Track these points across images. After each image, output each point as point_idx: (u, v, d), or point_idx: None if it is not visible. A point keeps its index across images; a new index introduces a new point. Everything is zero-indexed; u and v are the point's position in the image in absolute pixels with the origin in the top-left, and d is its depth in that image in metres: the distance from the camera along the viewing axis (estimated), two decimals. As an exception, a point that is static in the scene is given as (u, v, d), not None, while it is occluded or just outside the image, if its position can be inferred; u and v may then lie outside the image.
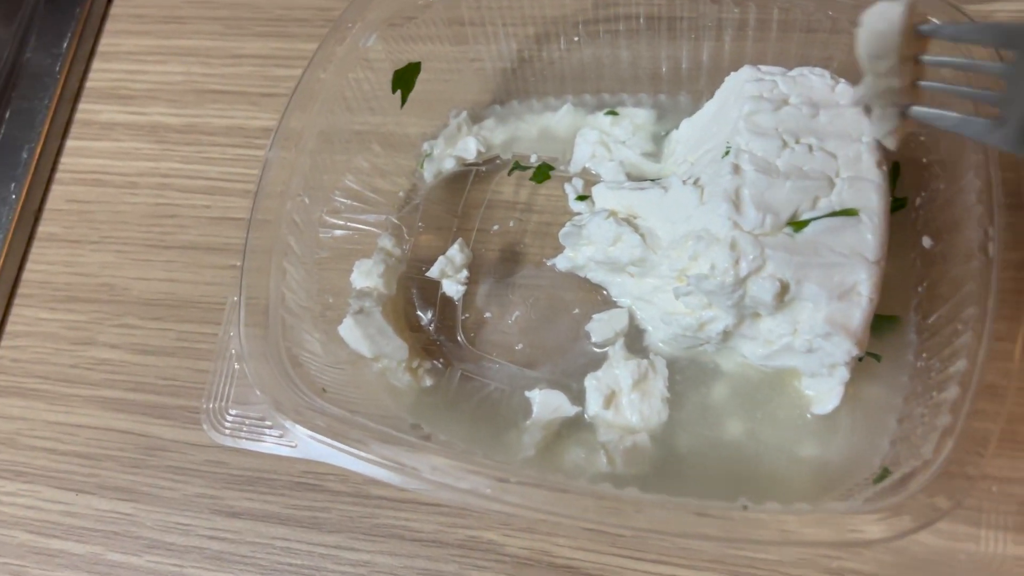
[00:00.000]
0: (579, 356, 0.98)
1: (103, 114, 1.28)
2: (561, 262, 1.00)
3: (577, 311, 1.00)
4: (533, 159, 1.10)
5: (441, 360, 1.01)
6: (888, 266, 0.83)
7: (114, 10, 1.34)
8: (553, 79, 1.11)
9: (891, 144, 0.84)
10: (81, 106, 1.29)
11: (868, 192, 0.83)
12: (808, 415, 0.90)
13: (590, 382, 0.94)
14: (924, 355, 0.87)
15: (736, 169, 0.86)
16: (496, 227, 1.07)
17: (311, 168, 0.97)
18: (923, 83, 0.80)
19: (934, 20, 0.79)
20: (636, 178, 1.03)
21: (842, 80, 0.89)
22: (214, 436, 0.87)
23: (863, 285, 0.81)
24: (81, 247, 1.19)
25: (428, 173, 1.09)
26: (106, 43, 1.32)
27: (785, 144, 0.87)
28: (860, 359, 0.85)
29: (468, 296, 1.03)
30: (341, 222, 1.03)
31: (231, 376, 0.89)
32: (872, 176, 0.84)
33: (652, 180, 0.98)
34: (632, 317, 0.98)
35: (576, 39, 1.07)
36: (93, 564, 1.02)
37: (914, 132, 0.92)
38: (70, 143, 1.27)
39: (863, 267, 0.81)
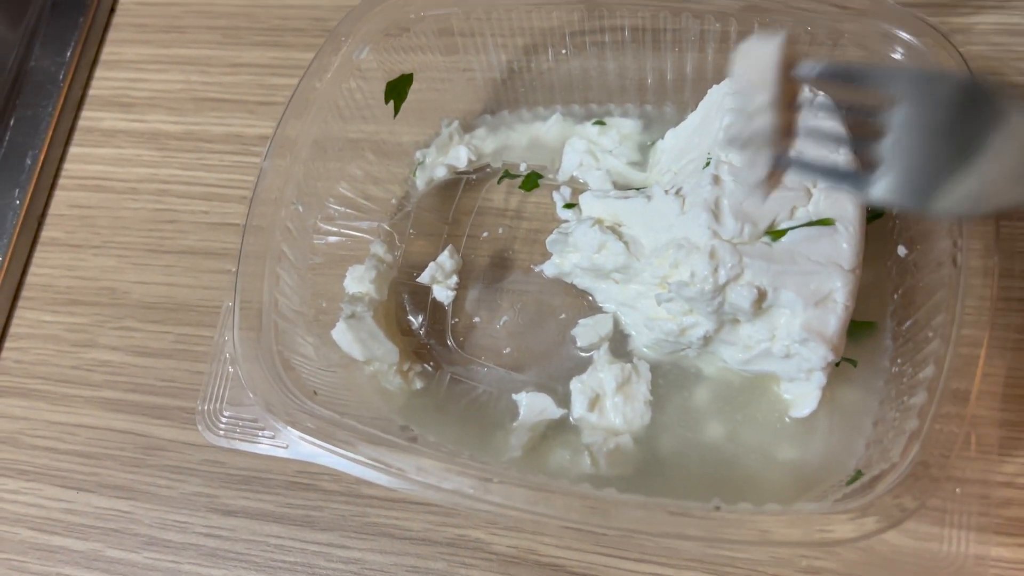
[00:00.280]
0: (565, 360, 0.99)
1: (105, 121, 1.28)
2: (548, 268, 1.01)
3: (563, 316, 1.02)
4: (522, 168, 1.11)
5: (431, 363, 1.02)
6: (866, 273, 0.85)
7: (116, 19, 1.35)
8: (542, 89, 1.12)
9: (760, 195, 0.85)
10: (84, 113, 1.29)
11: (844, 202, 0.84)
12: (786, 418, 0.91)
13: (575, 385, 0.95)
14: (899, 360, 0.88)
15: (716, 180, 0.86)
16: (486, 234, 1.08)
17: (305, 176, 0.98)
18: (800, 128, 0.82)
19: (811, 62, 0.81)
20: (622, 187, 1.04)
21: (821, 92, 0.89)
22: (208, 437, 0.88)
23: (839, 293, 0.82)
24: (83, 251, 1.20)
25: (420, 181, 1.10)
26: (108, 52, 1.33)
27: None
28: (837, 364, 0.87)
29: (458, 301, 1.04)
30: (335, 228, 1.04)
31: (225, 378, 0.90)
32: None
33: (637, 189, 0.99)
34: (616, 322, 0.99)
35: (564, 51, 1.08)
36: (92, 560, 1.03)
37: None
38: (73, 150, 1.27)
39: (839, 275, 0.82)
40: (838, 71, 0.79)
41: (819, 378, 0.87)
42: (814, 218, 0.84)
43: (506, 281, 1.06)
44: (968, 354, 0.77)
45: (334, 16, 1.22)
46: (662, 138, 1.05)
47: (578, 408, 0.94)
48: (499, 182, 1.11)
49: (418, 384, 1.00)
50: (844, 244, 0.83)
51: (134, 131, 1.27)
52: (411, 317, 1.06)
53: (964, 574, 0.72)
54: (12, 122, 1.26)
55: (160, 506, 1.04)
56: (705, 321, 0.88)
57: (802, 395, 0.90)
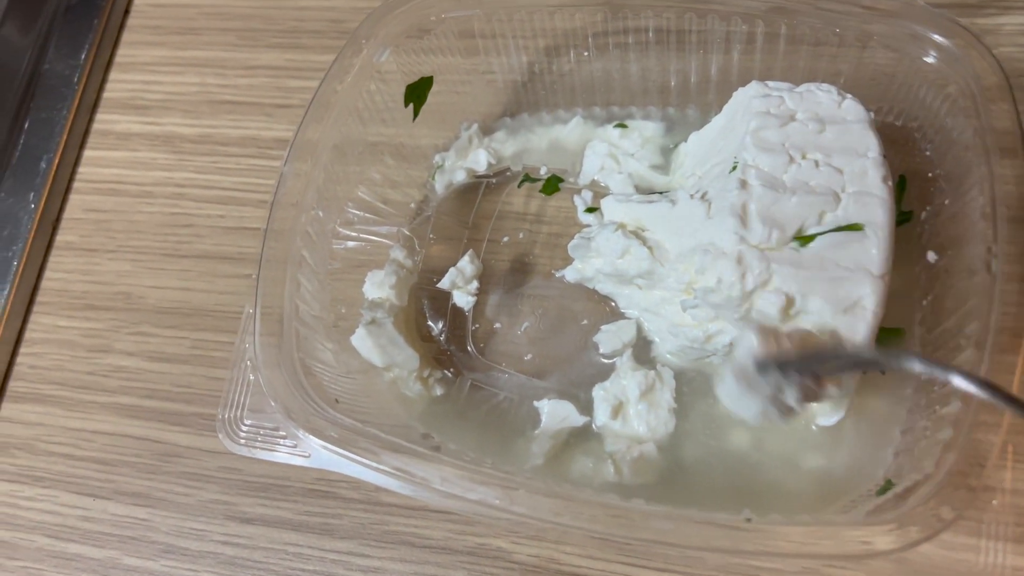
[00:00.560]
0: (587, 366, 0.98)
1: (120, 124, 1.28)
2: (570, 274, 1.00)
3: (585, 322, 1.01)
4: (543, 171, 1.10)
5: (451, 370, 1.02)
6: (893, 279, 0.83)
7: (131, 21, 1.35)
8: (563, 92, 1.11)
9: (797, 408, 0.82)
10: (98, 116, 1.30)
11: (873, 207, 0.83)
12: (813, 427, 0.90)
13: (598, 392, 0.95)
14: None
15: (743, 184, 0.85)
16: (506, 238, 1.08)
17: (325, 180, 0.97)
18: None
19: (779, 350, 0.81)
20: (645, 191, 1.03)
21: (849, 96, 0.89)
22: (229, 445, 0.88)
23: (868, 299, 0.80)
24: (98, 256, 1.20)
25: (439, 185, 1.10)
26: (123, 54, 1.33)
27: (792, 159, 0.86)
28: (865, 372, 0.86)
29: (478, 307, 1.04)
30: (354, 234, 1.04)
31: (246, 385, 0.89)
32: (877, 191, 0.84)
33: (661, 193, 0.98)
34: (640, 329, 0.98)
35: (586, 52, 1.07)
36: (110, 568, 1.02)
37: (920, 146, 0.95)
38: (87, 153, 1.28)
39: (868, 281, 0.81)
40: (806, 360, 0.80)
41: (847, 385, 0.85)
42: (843, 223, 0.83)
43: (527, 286, 1.05)
44: (1005, 362, 0.76)
45: (351, 17, 1.25)
46: (685, 141, 1.04)
47: (601, 415, 0.94)
48: (519, 186, 1.10)
49: (438, 391, 0.99)
50: (873, 250, 0.82)
51: (149, 134, 1.27)
52: (431, 323, 1.05)
53: (1000, 586, 0.71)
54: (27, 125, 1.27)
55: (177, 513, 1.03)
56: (731, 328, 0.87)
57: (829, 403, 0.88)
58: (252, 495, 1.02)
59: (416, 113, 1.06)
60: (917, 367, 0.70)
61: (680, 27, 1.01)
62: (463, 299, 1.04)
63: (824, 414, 0.89)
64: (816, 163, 0.86)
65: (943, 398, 0.80)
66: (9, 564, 1.05)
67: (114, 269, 1.19)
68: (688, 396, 0.94)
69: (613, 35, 1.05)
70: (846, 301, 0.81)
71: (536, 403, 0.96)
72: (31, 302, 1.19)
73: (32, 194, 1.22)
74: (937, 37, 0.89)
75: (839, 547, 0.71)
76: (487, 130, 1.13)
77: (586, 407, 0.95)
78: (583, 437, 0.94)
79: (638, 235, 0.93)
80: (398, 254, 1.04)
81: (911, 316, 0.92)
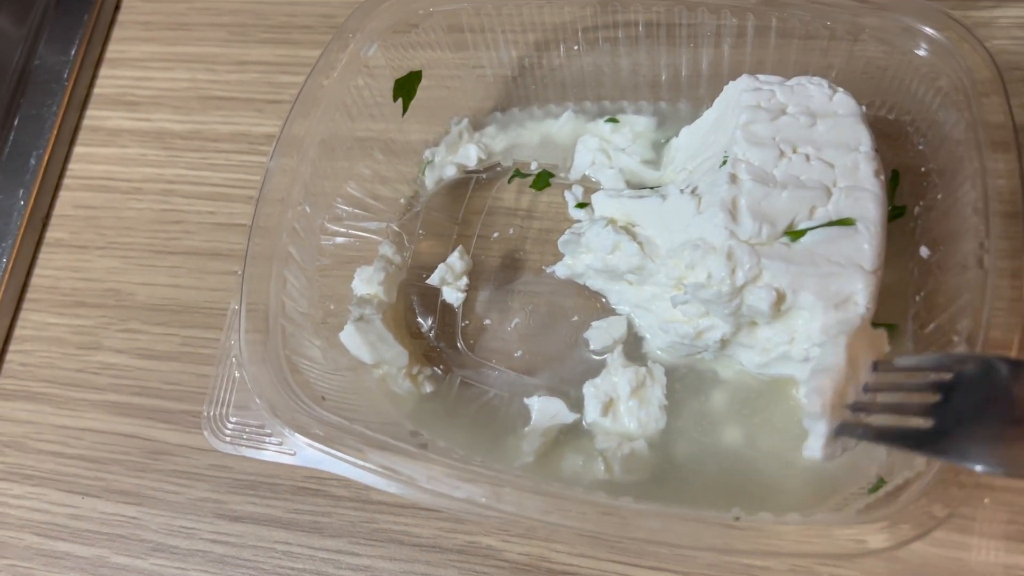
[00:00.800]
0: (578, 363, 0.97)
1: (110, 120, 1.28)
2: (560, 270, 0.99)
3: (576, 318, 1.00)
4: (533, 166, 1.09)
5: (441, 367, 1.01)
6: (886, 274, 0.82)
7: (121, 17, 1.34)
8: (554, 86, 1.10)
9: (818, 456, 0.79)
10: (88, 112, 1.29)
11: (865, 202, 0.82)
12: (805, 423, 0.85)
13: (588, 389, 0.93)
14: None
15: (733, 179, 0.85)
16: (496, 234, 1.07)
17: (312, 175, 0.97)
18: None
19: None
20: (636, 186, 1.03)
21: (840, 89, 0.89)
22: (215, 443, 0.87)
23: (860, 295, 0.80)
24: (88, 252, 1.19)
25: (429, 180, 1.09)
26: (113, 50, 1.32)
27: (782, 154, 0.86)
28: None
29: (468, 303, 1.03)
30: (343, 229, 1.03)
31: (232, 382, 0.88)
32: (869, 186, 0.83)
33: (651, 188, 0.98)
34: (630, 325, 0.97)
35: (576, 47, 1.06)
36: (98, 567, 1.02)
37: (912, 140, 0.94)
38: (77, 149, 1.27)
39: (860, 277, 0.80)
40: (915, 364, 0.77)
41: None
42: (834, 218, 0.82)
43: (517, 282, 1.04)
44: (997, 358, 0.74)
45: (342, 12, 1.22)
46: (676, 136, 1.04)
47: (591, 412, 0.93)
48: (510, 181, 1.09)
49: (428, 388, 0.99)
50: (865, 245, 0.81)
51: (139, 130, 1.26)
52: (420, 319, 1.04)
53: (992, 584, 0.70)
54: (16, 121, 1.26)
55: (166, 511, 1.03)
56: (722, 324, 0.87)
57: None
58: (242, 493, 1.01)
59: (405, 108, 1.05)
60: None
61: (670, 21, 1.00)
62: (453, 295, 1.02)
63: None
64: (807, 157, 0.85)
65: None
66: (-2, 562, 1.04)
67: (104, 266, 1.18)
68: (679, 393, 0.93)
69: (603, 29, 1.04)
70: (838, 297, 0.80)
71: (526, 400, 0.95)
72: (21, 299, 1.18)
73: (22, 191, 1.21)
74: (929, 30, 0.89)
75: (831, 545, 0.71)
76: (477, 125, 1.12)
77: (576, 404, 0.94)
78: (573, 434, 0.93)
79: (628, 231, 0.92)
80: (387, 250, 1.02)
81: (904, 312, 0.91)
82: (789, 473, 0.87)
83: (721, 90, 0.96)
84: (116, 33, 1.33)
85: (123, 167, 1.24)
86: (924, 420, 0.69)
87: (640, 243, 0.91)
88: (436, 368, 1.00)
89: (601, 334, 0.97)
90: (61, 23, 1.30)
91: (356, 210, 1.04)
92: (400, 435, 0.87)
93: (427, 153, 1.10)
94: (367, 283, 0.99)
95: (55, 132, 1.24)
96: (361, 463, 0.80)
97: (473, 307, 1.03)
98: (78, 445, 1.08)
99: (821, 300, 0.80)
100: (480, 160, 1.09)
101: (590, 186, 1.05)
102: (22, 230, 1.19)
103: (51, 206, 1.23)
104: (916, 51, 0.90)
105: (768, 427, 0.90)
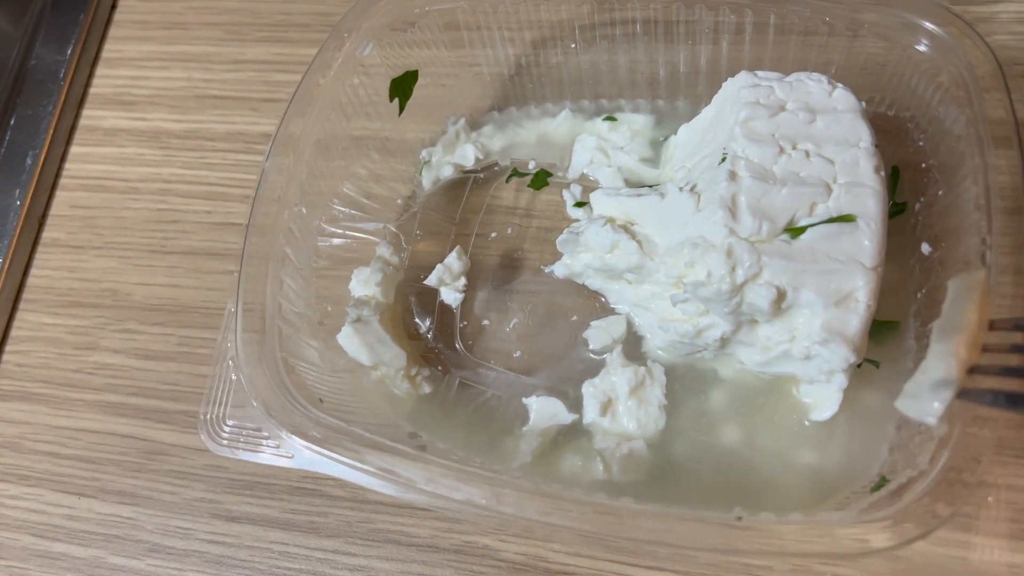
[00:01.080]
0: (577, 363, 0.96)
1: (106, 120, 1.26)
2: (559, 269, 0.98)
3: (575, 318, 0.98)
4: (531, 165, 1.08)
5: (439, 367, 0.99)
6: (887, 271, 0.81)
7: (118, 16, 1.33)
8: (551, 85, 1.09)
9: (932, 420, 0.75)
10: (85, 112, 1.27)
11: (866, 198, 0.81)
12: (806, 422, 0.87)
13: (587, 389, 0.92)
14: None
15: (732, 176, 0.83)
16: (494, 234, 1.05)
17: (308, 176, 0.95)
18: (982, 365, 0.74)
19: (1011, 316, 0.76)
20: (634, 184, 1.01)
21: (839, 85, 0.88)
22: (211, 446, 0.86)
23: (861, 292, 0.79)
24: (84, 253, 1.18)
25: (426, 180, 1.07)
26: (110, 49, 1.31)
27: (782, 150, 0.84)
28: (858, 366, 0.83)
29: (466, 303, 1.02)
30: (339, 230, 1.02)
31: (228, 383, 0.87)
32: (870, 182, 0.82)
33: (650, 186, 0.96)
34: (630, 324, 0.96)
35: (573, 45, 1.05)
36: (95, 568, 1.00)
37: (912, 136, 0.92)
38: (74, 149, 1.25)
39: (861, 273, 0.79)
40: None
41: (840, 380, 0.84)
42: (835, 214, 0.81)
43: (516, 282, 1.03)
44: (999, 356, 0.73)
45: (338, 11, 1.23)
46: (675, 134, 1.02)
47: (590, 412, 0.91)
48: (507, 180, 1.08)
49: (426, 389, 0.97)
50: (866, 241, 0.80)
51: (136, 130, 1.25)
52: (418, 320, 1.03)
53: (997, 583, 0.69)
54: (13, 121, 1.24)
55: (163, 512, 1.01)
56: (722, 322, 0.85)
57: (822, 398, 0.86)
58: (238, 493, 1.00)
59: (402, 108, 1.03)
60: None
61: (668, 18, 0.99)
62: (451, 296, 1.01)
63: (817, 409, 0.87)
64: (807, 154, 0.84)
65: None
66: (-6, 563, 1.03)
67: (100, 266, 1.16)
68: (679, 392, 0.92)
69: (600, 27, 1.02)
70: (838, 294, 0.79)
71: (524, 400, 0.94)
72: (17, 299, 1.17)
73: (18, 191, 1.20)
74: (929, 25, 0.88)
75: (833, 545, 0.70)
76: (474, 124, 1.10)
77: (575, 404, 0.93)
78: (572, 435, 0.92)
79: (627, 229, 0.91)
80: (384, 251, 1.01)
81: (906, 309, 0.89)
82: (789, 472, 0.86)
83: (719, 87, 0.94)
84: (112, 32, 1.32)
85: (120, 167, 1.23)
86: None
87: (639, 242, 0.90)
88: (434, 369, 0.99)
89: (600, 334, 0.96)
90: (57, 23, 1.29)
91: (353, 211, 1.03)
92: (398, 437, 0.85)
93: (424, 153, 1.08)
94: (364, 284, 0.98)
95: (51, 132, 1.23)
96: (359, 466, 0.78)
97: (471, 307, 1.02)
98: (74, 446, 1.06)
99: (822, 297, 0.79)
100: (477, 160, 1.08)
101: (588, 185, 1.04)
102: (18, 230, 1.17)
103: (47, 206, 1.22)
104: (916, 47, 0.89)
105: (768, 426, 0.88)
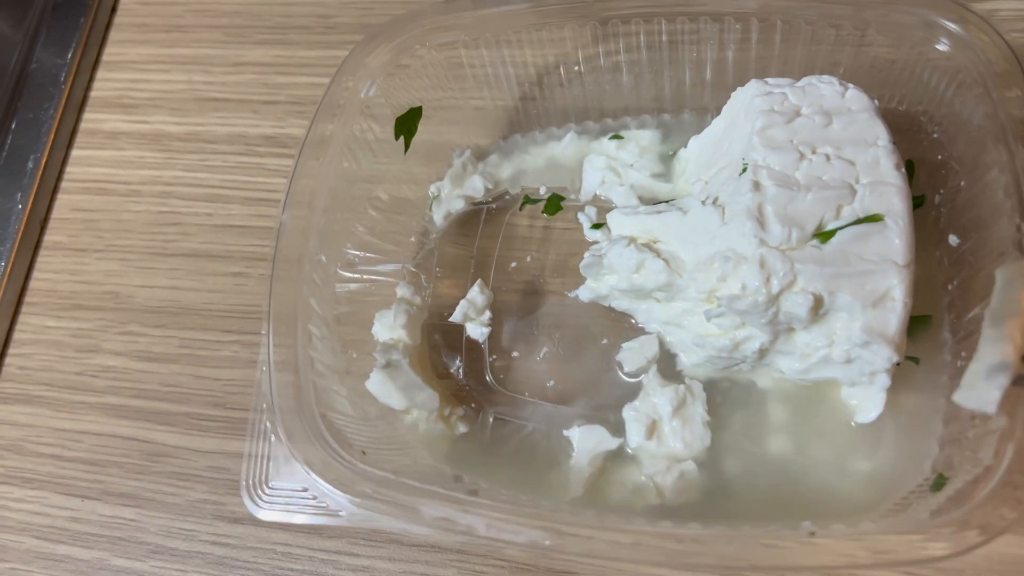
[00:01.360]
0: (613, 387, 0.86)
1: (107, 123, 1.15)
2: (584, 293, 0.88)
3: (605, 341, 0.88)
4: (542, 191, 0.96)
5: (472, 405, 0.88)
6: (914, 267, 0.73)
7: (118, 20, 1.22)
8: (555, 108, 0.98)
9: (991, 409, 0.67)
10: (86, 115, 1.16)
11: (890, 196, 0.73)
12: (852, 424, 0.79)
13: (629, 413, 0.82)
14: (962, 354, 0.76)
15: (756, 186, 0.75)
16: (514, 264, 0.94)
17: (323, 224, 0.86)
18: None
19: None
20: (648, 201, 0.92)
21: (851, 85, 0.79)
22: (254, 510, 0.76)
23: (896, 290, 0.70)
24: (86, 255, 1.07)
25: (437, 215, 0.96)
26: (110, 52, 1.20)
27: (802, 156, 0.76)
28: (899, 364, 0.74)
29: (493, 337, 0.91)
30: (356, 275, 0.91)
31: (268, 446, 0.77)
32: (892, 179, 0.73)
33: (667, 202, 0.87)
34: (662, 342, 0.86)
35: (576, 66, 0.94)
36: (98, 569, 0.91)
37: (926, 130, 0.86)
38: (75, 152, 1.14)
39: (894, 272, 0.70)
40: None
41: (883, 380, 0.75)
42: (861, 215, 0.72)
43: (541, 311, 0.92)
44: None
45: (338, 12, 1.14)
46: (684, 147, 0.93)
47: (634, 437, 0.81)
48: (520, 208, 0.97)
49: (461, 428, 0.86)
50: (896, 239, 0.71)
51: (136, 133, 1.13)
52: (446, 359, 0.91)
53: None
54: (14, 125, 1.13)
55: (166, 514, 0.92)
56: (759, 333, 0.76)
57: (866, 399, 0.77)
58: (240, 494, 0.87)
59: (407, 145, 0.93)
60: None
61: (672, 32, 0.89)
62: (477, 331, 0.90)
63: (862, 411, 0.78)
64: (827, 157, 0.76)
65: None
66: (-2, 566, 0.95)
67: (102, 269, 1.06)
68: (721, 407, 0.82)
69: (603, 45, 0.92)
70: (875, 294, 0.71)
71: (566, 432, 0.83)
72: (19, 302, 1.06)
73: (19, 194, 1.08)
74: (938, 18, 0.80)
75: (901, 554, 0.62)
76: (480, 155, 0.99)
77: (617, 429, 0.82)
78: (619, 462, 0.82)
79: (650, 247, 0.82)
80: (405, 291, 0.91)
81: (937, 302, 0.81)
82: (843, 477, 0.77)
83: (726, 97, 0.85)
84: (113, 36, 1.21)
85: (121, 169, 1.11)
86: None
87: (664, 259, 0.80)
88: (468, 407, 0.88)
89: (633, 355, 0.85)
90: (57, 26, 1.19)
91: (368, 254, 0.92)
92: (445, 482, 0.77)
93: (433, 188, 0.97)
94: (389, 328, 0.87)
95: (52, 135, 1.12)
96: (416, 520, 0.70)
97: (499, 341, 0.91)
98: (77, 448, 0.96)
99: (859, 299, 0.70)
100: (487, 190, 0.96)
101: (603, 205, 0.93)
102: (20, 233, 1.07)
103: (49, 209, 1.11)
104: (927, 41, 0.81)
105: (815, 432, 0.80)
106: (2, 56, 1.17)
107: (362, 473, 0.73)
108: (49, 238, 1.08)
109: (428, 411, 0.83)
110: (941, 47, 0.80)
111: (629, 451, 0.81)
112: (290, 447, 0.74)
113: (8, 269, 1.04)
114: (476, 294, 0.89)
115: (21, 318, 1.04)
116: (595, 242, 0.90)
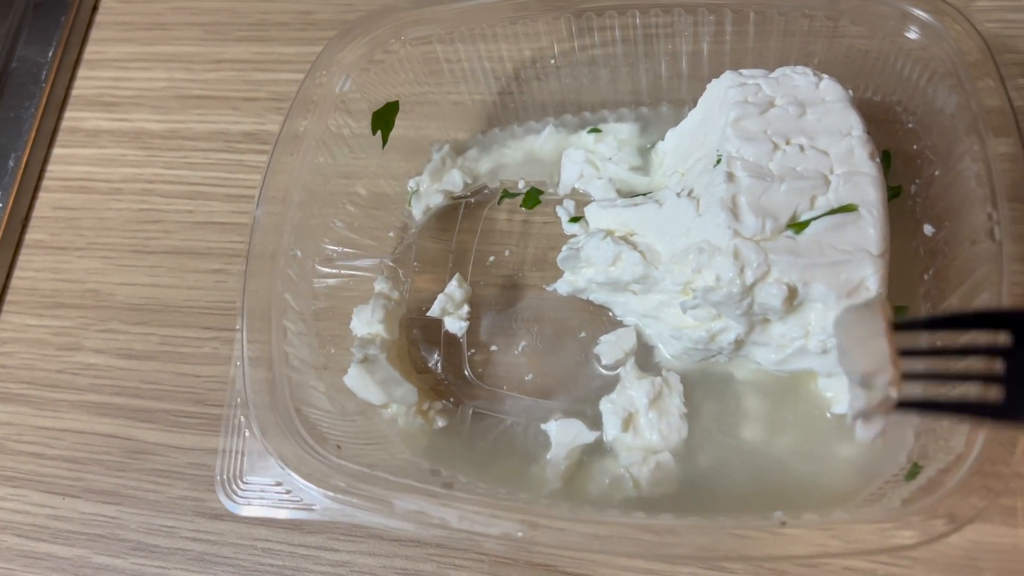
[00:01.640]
0: (591, 380, 0.85)
1: (88, 121, 1.13)
2: (562, 287, 0.87)
3: (583, 335, 0.87)
4: (521, 185, 0.95)
5: (451, 399, 0.87)
6: (890, 256, 0.72)
7: (99, 18, 1.20)
8: (533, 102, 0.97)
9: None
10: (67, 114, 1.14)
11: (864, 186, 0.72)
12: (828, 415, 0.78)
13: (606, 406, 0.81)
14: (937, 344, 0.74)
15: (730, 177, 0.74)
16: (492, 258, 0.93)
17: (299, 218, 0.85)
18: (911, 373, 0.64)
19: (911, 317, 0.75)
20: (627, 194, 0.90)
21: (825, 76, 0.78)
22: (230, 506, 0.75)
23: (871, 280, 0.69)
24: (67, 254, 1.05)
25: (416, 210, 0.95)
26: (91, 51, 1.18)
27: (776, 146, 0.75)
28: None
29: (472, 331, 0.90)
30: (334, 270, 0.90)
31: (243, 441, 0.76)
32: (867, 169, 0.72)
33: (644, 195, 0.86)
34: (640, 335, 0.85)
35: (553, 60, 0.93)
36: (79, 567, 0.89)
37: (901, 120, 0.85)
38: (56, 151, 1.12)
39: (868, 262, 0.69)
40: (941, 320, 0.66)
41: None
42: (835, 205, 0.71)
43: (519, 305, 0.91)
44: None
45: (318, 9, 1.12)
46: (662, 140, 0.91)
47: (611, 429, 0.80)
48: (499, 203, 0.95)
49: (440, 422, 0.85)
50: (870, 229, 0.70)
51: (118, 130, 1.12)
52: (425, 353, 0.91)
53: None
54: None
55: (146, 511, 0.91)
56: (735, 324, 0.75)
57: (843, 390, 0.76)
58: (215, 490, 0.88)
59: (385, 140, 0.92)
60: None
61: (646, 24, 0.89)
62: (455, 325, 0.89)
63: (839, 401, 0.77)
64: (801, 147, 0.75)
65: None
66: (-21, 564, 0.93)
67: (83, 267, 1.04)
68: (698, 399, 0.81)
69: (578, 39, 0.91)
70: (849, 284, 0.70)
71: (543, 426, 0.82)
72: (1, 301, 1.04)
73: (0, 193, 1.07)
74: (920, 13, 0.79)
75: (873, 543, 0.62)
76: (459, 149, 0.98)
77: (594, 422, 0.81)
78: (597, 454, 0.81)
79: (627, 240, 0.81)
80: (383, 286, 0.89)
81: (914, 292, 0.80)
82: (818, 467, 0.76)
83: (702, 89, 0.84)
84: (94, 34, 1.19)
85: (102, 168, 1.10)
86: (979, 387, 0.59)
87: (641, 251, 0.79)
88: (446, 401, 0.87)
89: (611, 348, 0.85)
90: (38, 25, 1.17)
91: (346, 249, 0.91)
92: (421, 475, 0.76)
93: (411, 183, 0.96)
94: (367, 323, 0.86)
95: (34, 134, 1.10)
96: (390, 513, 0.69)
97: (477, 335, 0.90)
98: (58, 446, 0.95)
99: (833, 290, 0.69)
100: (466, 184, 0.95)
101: (581, 199, 0.92)
102: (1, 232, 1.05)
103: (30, 208, 1.09)
104: (901, 31, 0.80)
105: (792, 423, 0.79)
106: (-17, 54, 1.17)
107: (337, 467, 0.72)
108: (30, 236, 1.07)
109: (407, 406, 0.82)
110: (915, 37, 0.79)
111: (606, 443, 0.80)
112: (264, 442, 0.73)
113: (-10, 268, 1.04)
114: (454, 288, 0.88)
115: (2, 316, 1.03)
116: (573, 235, 0.89)
